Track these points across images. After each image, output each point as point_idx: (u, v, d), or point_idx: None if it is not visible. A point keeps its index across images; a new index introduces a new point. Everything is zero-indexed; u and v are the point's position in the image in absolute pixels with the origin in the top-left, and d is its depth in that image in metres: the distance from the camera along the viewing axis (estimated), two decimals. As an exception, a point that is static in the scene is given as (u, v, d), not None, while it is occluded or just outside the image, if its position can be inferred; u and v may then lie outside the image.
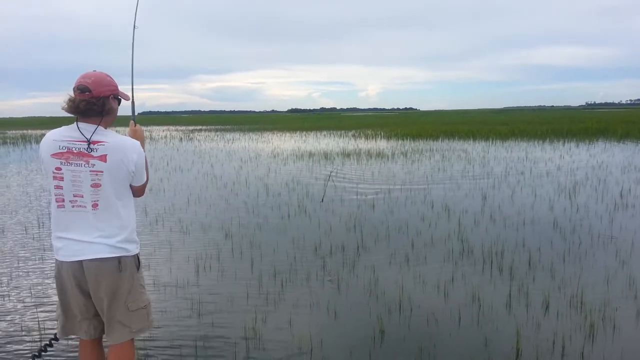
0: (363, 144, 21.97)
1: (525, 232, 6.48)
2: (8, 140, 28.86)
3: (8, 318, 4.10)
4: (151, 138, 30.31)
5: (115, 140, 2.48)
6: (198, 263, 5.42)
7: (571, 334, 3.68)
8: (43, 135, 2.70)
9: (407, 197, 9.03)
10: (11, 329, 3.89)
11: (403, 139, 24.61)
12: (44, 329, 3.87)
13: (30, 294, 4.60)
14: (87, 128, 2.44)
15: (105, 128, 2.52)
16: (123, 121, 3.56)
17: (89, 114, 2.45)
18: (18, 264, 5.51)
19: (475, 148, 18.83)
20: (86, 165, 2.42)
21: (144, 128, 2.93)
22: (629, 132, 23.86)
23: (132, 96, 2.99)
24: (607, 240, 6.03)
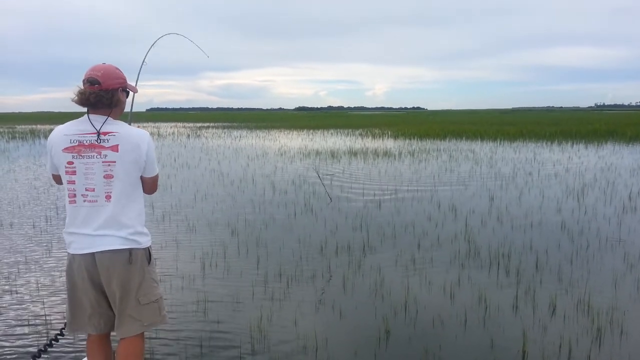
0: (370, 143, 21.93)
1: (533, 234, 6.44)
2: (17, 135, 29.09)
3: (14, 313, 4.12)
4: (159, 134, 30.43)
5: (125, 130, 2.51)
6: (204, 260, 5.43)
7: (578, 337, 3.65)
8: (52, 130, 2.71)
9: (414, 197, 9.00)
10: (17, 324, 3.90)
11: (410, 139, 24.54)
12: (50, 323, 3.89)
13: (37, 289, 4.62)
14: (97, 119, 2.48)
15: (115, 119, 2.56)
16: (122, 120, 3.58)
17: (98, 106, 2.48)
18: (26, 258, 5.55)
19: (483, 148, 18.75)
20: (98, 156, 2.44)
21: (151, 124, 2.95)
22: (638, 135, 23.64)
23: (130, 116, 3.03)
24: (615, 243, 5.98)
